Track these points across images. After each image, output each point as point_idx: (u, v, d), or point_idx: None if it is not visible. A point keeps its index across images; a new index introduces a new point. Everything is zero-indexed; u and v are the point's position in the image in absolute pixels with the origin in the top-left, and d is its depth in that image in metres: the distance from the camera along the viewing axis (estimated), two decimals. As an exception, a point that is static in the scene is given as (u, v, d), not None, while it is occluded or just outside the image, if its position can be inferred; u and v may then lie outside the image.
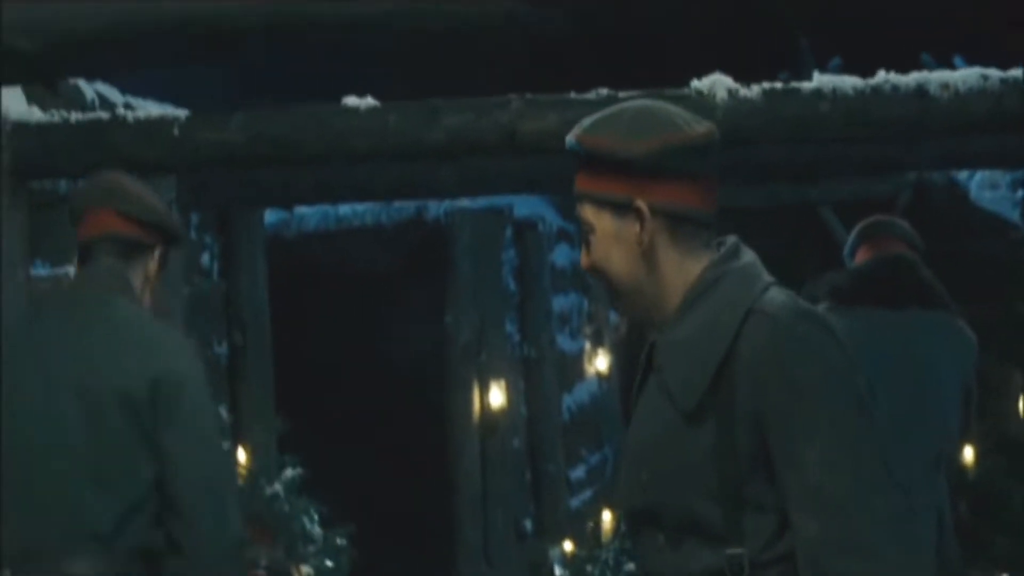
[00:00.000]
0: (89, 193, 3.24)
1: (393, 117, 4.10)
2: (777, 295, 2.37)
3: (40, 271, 4.61)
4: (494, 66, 5.55)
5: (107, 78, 4.45)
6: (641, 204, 2.35)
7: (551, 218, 9.77)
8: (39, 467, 3.03)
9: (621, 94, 4.14)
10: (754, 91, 4.07)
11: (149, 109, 4.15)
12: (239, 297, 6.48)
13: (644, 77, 4.12)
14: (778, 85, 4.13)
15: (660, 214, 2.36)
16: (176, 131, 4.09)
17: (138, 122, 4.11)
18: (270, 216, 7.09)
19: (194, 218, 6.07)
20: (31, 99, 4.19)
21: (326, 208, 8.21)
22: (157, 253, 3.22)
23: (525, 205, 9.13)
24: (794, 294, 2.41)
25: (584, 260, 2.44)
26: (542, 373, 9.29)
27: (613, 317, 10.56)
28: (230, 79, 5.27)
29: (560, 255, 10.03)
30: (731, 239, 2.44)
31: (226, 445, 2.95)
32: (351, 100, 4.13)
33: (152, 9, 3.46)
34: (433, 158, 4.27)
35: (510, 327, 9.03)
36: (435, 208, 8.12)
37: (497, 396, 8.41)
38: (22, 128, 4.09)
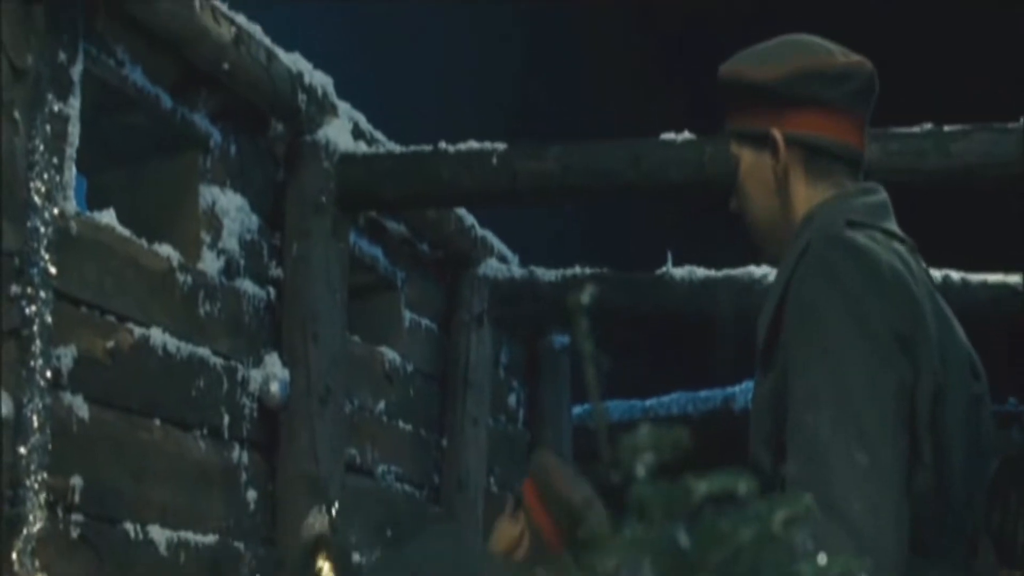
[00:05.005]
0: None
1: (710, 149, 4.07)
2: (841, 228, 2.09)
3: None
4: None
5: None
6: (776, 133, 2.19)
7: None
8: None
9: (947, 127, 4.03)
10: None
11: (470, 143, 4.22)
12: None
13: (973, 109, 4.00)
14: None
15: (795, 144, 2.19)
16: (495, 161, 4.15)
17: (459, 153, 4.20)
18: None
19: (504, 357, 6.09)
20: (356, 134, 4.35)
21: (633, 401, 8.17)
22: None
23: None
24: (875, 234, 2.10)
25: (732, 203, 2.29)
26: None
27: None
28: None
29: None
30: (870, 183, 2.23)
31: None
32: (668, 135, 4.14)
33: None
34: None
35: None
36: (742, 398, 7.95)
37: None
38: (349, 160, 4.22)
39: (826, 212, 2.17)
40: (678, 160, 4.08)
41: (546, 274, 5.50)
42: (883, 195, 2.23)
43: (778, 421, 2.04)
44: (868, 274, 2.03)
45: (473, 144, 4.22)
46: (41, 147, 2.93)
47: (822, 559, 1.32)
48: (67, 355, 3.20)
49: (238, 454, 3.92)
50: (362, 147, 4.30)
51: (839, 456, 1.91)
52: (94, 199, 3.89)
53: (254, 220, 4.08)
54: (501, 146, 4.19)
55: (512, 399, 6.33)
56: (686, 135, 4.13)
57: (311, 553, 3.61)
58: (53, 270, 2.94)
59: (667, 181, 4.10)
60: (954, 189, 4.22)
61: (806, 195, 2.20)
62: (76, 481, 3.19)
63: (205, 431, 3.77)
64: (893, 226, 2.20)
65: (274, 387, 4.04)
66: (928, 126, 4.03)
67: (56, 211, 2.99)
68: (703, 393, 8.06)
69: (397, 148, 4.37)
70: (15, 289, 2.83)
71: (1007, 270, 5.34)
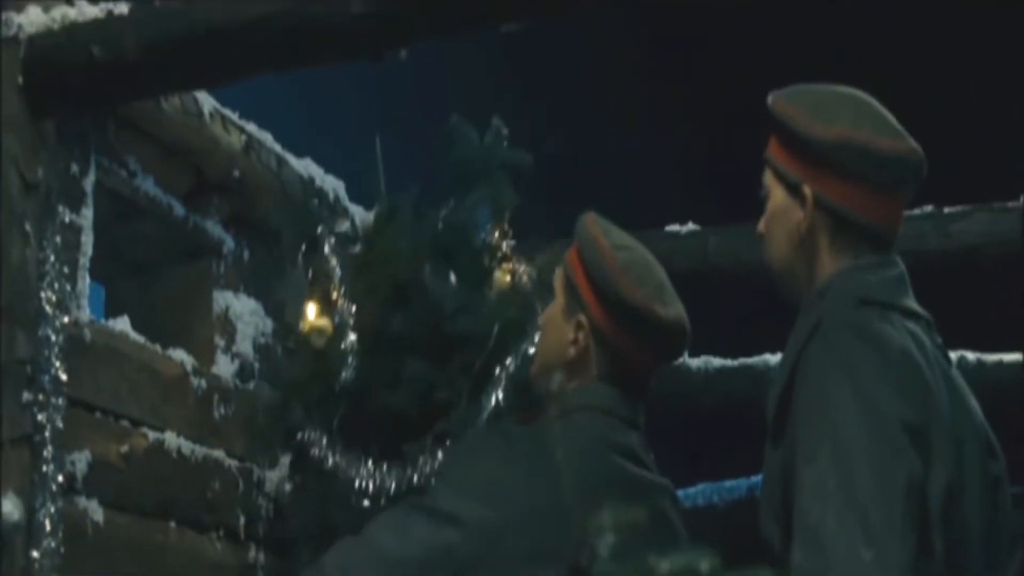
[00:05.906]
0: None
1: (713, 240, 4.14)
2: (854, 310, 2.10)
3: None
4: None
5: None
6: (808, 191, 2.20)
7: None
8: None
9: (947, 209, 4.07)
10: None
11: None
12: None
13: (971, 191, 4.05)
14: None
15: (824, 208, 2.20)
16: (501, 258, 4.21)
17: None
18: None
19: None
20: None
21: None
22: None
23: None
24: (890, 314, 2.10)
25: (760, 224, 2.33)
26: None
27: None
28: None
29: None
30: (888, 256, 2.23)
31: None
32: (672, 227, 4.21)
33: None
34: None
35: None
36: (769, 487, 7.92)
37: None
38: (360, 261, 4.29)
39: (841, 286, 2.16)
40: (682, 251, 4.14)
41: (562, 368, 5.53)
42: (900, 268, 2.22)
43: (786, 498, 2.03)
44: (880, 362, 2.01)
45: (485, 239, 4.28)
46: (52, 257, 3.01)
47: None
48: (81, 460, 3.25)
49: (254, 555, 3.95)
50: (373, 248, 4.36)
51: (844, 550, 1.88)
52: (112, 307, 3.97)
53: (268, 323, 4.15)
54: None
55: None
56: (690, 226, 4.19)
57: None
58: (64, 377, 3.01)
59: (671, 271, 4.14)
60: (962, 269, 4.25)
61: (828, 260, 2.21)
62: (92, 585, 3.23)
63: (221, 533, 3.81)
64: (910, 302, 2.20)
65: (288, 487, 4.07)
66: (929, 208, 4.07)
67: (68, 319, 3.06)
68: (728, 483, 8.04)
69: (407, 247, 4.43)
70: (27, 396, 2.90)
71: (1023, 349, 5.34)
